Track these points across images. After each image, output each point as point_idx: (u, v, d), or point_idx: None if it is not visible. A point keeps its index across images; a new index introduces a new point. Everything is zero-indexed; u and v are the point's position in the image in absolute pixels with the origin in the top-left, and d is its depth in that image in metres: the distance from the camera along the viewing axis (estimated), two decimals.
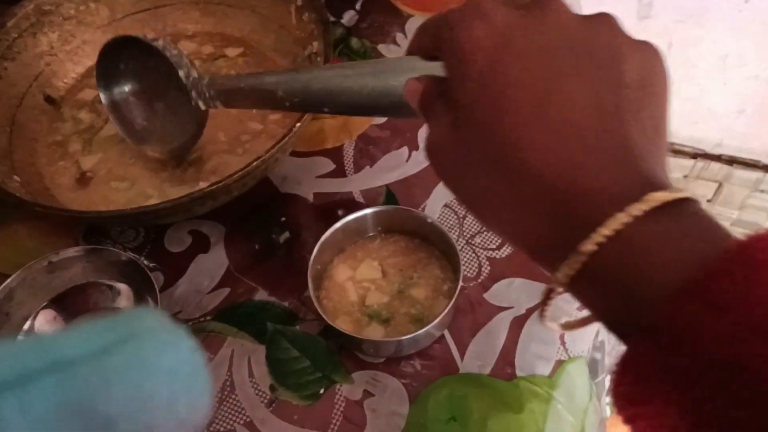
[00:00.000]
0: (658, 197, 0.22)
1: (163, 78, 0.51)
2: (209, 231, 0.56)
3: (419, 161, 0.59)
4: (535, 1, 0.27)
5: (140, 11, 0.66)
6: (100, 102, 0.60)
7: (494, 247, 0.53)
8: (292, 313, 0.52)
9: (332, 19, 0.70)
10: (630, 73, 0.25)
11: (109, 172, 0.58)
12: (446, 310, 0.46)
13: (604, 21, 0.26)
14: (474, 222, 0.55)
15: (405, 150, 0.60)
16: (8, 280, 0.48)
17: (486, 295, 0.51)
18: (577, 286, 0.25)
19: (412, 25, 0.70)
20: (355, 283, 0.51)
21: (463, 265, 0.52)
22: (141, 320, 0.25)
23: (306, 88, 0.40)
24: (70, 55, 0.64)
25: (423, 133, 0.61)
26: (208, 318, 0.52)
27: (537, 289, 0.51)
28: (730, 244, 0.21)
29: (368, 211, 0.51)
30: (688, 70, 1.02)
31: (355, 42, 0.69)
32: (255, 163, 0.48)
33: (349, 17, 0.71)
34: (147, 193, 0.55)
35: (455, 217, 0.55)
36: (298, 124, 0.50)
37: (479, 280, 0.52)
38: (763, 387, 0.20)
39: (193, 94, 0.49)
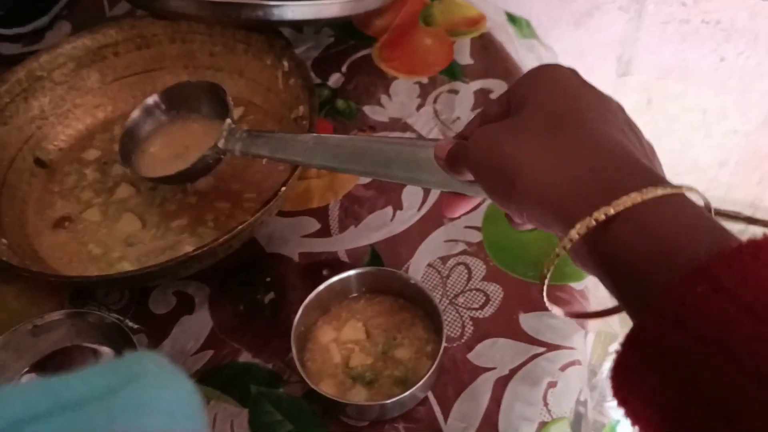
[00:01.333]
0: (674, 187, 0.27)
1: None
2: (194, 292, 0.57)
3: (403, 220, 0.60)
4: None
5: (131, 75, 0.68)
6: (105, 163, 0.63)
7: (477, 306, 0.54)
8: (276, 375, 0.52)
9: (318, 81, 0.72)
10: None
11: (89, 231, 0.59)
12: (430, 372, 0.46)
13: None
14: (457, 282, 0.55)
15: (389, 209, 0.61)
16: None
17: (470, 356, 0.51)
18: (592, 246, 0.28)
19: (397, 87, 0.71)
20: (339, 344, 0.51)
21: (447, 325, 0.53)
22: (142, 363, 0.26)
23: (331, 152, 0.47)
24: (61, 119, 0.65)
25: (407, 192, 0.62)
26: (192, 381, 0.51)
27: (520, 349, 0.51)
28: (741, 239, 0.24)
29: (352, 272, 0.52)
30: (669, 124, 1.05)
31: (341, 103, 0.70)
32: (241, 227, 0.49)
33: (335, 79, 0.73)
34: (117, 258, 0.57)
35: (438, 276, 0.56)
36: (284, 188, 0.51)
37: (463, 340, 0.52)
38: (752, 366, 0.21)
39: (223, 136, 0.53)
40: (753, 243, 0.24)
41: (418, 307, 0.52)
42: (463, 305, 0.54)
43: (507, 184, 0.32)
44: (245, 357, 0.53)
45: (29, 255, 0.55)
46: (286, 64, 0.61)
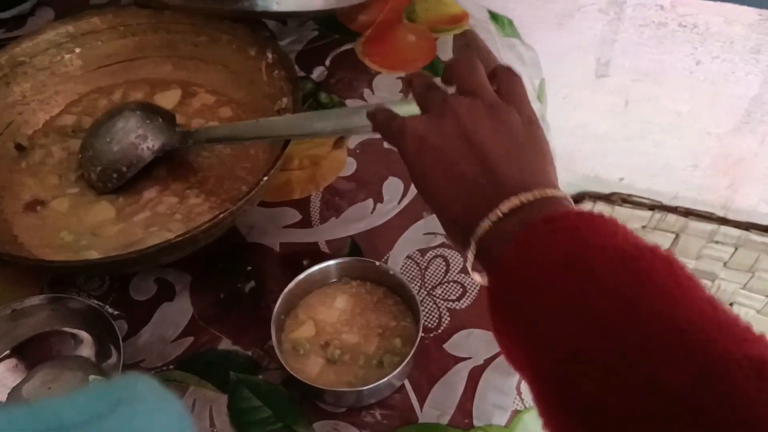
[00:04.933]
0: (513, 200, 0.35)
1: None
2: (175, 279, 0.57)
3: (384, 213, 0.61)
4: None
5: (114, 63, 0.68)
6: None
7: (454, 298, 0.55)
8: (256, 362, 0.52)
9: (302, 73, 0.73)
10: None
11: (64, 216, 0.58)
12: (406, 360, 0.47)
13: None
14: (435, 273, 0.57)
15: (370, 202, 0.62)
16: None
17: (445, 346, 0.52)
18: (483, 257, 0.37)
19: (379, 81, 0.72)
20: (317, 328, 0.52)
21: (424, 315, 0.54)
22: (132, 386, 0.26)
23: (272, 132, 0.54)
24: (42, 105, 0.65)
25: (388, 185, 0.63)
26: (171, 367, 0.52)
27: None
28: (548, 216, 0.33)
29: (332, 262, 0.52)
30: (644, 125, 1.07)
31: (323, 97, 0.71)
32: (223, 215, 0.50)
33: (318, 73, 0.73)
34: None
35: (417, 268, 0.57)
36: (266, 178, 0.52)
37: (439, 331, 0.53)
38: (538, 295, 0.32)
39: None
40: (547, 218, 0.33)
41: (396, 296, 0.53)
42: (441, 296, 0.55)
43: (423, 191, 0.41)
44: (225, 344, 0.53)
45: (7, 239, 0.55)
46: (269, 55, 0.62)
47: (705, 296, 0.29)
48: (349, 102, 0.71)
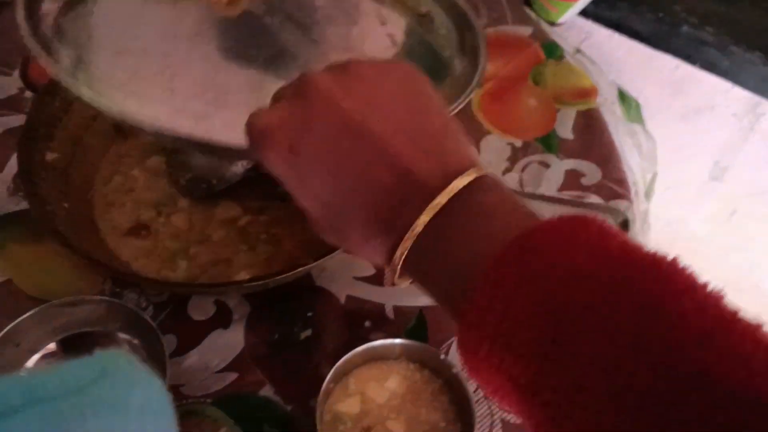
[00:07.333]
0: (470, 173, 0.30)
1: None
2: (235, 306, 0.55)
3: None
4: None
5: None
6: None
7: None
8: (293, 418, 0.50)
9: None
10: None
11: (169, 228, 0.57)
12: None
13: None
14: None
15: None
16: (27, 314, 0.47)
17: None
18: (410, 266, 0.31)
19: (488, 143, 0.69)
20: (364, 405, 0.49)
21: (478, 421, 0.50)
22: (114, 361, 0.27)
23: None
24: None
25: None
26: (208, 401, 0.50)
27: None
28: (522, 231, 0.28)
29: (396, 341, 0.50)
30: (744, 241, 1.00)
31: None
32: (303, 269, 0.48)
33: None
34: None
35: None
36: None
37: None
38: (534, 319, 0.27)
39: None
40: (524, 235, 0.28)
41: (451, 391, 0.50)
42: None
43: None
44: (267, 390, 0.51)
45: (86, 224, 0.54)
46: None
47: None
48: None
